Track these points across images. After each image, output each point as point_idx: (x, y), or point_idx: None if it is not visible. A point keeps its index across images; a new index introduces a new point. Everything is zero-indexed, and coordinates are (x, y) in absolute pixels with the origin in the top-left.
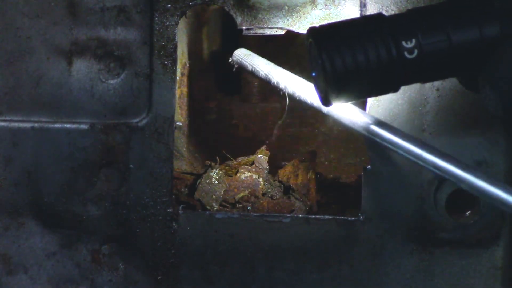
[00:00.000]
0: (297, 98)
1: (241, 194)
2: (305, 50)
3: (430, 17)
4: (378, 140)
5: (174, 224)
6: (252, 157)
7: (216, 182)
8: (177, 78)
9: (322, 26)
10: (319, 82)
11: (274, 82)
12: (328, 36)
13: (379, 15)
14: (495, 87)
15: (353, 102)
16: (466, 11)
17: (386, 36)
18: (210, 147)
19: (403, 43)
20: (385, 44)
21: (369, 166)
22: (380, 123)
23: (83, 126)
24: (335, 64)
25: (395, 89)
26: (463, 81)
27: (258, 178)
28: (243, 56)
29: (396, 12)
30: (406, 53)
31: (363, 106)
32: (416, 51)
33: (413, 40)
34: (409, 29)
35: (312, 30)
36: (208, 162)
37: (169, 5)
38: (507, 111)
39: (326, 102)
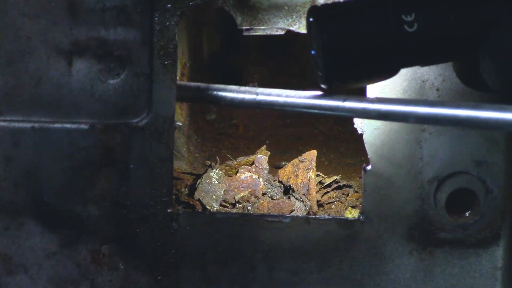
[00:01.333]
0: None
1: (241, 194)
2: (306, 28)
3: None
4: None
5: (174, 224)
6: (252, 157)
7: (216, 182)
8: (177, 78)
9: (323, 5)
10: (319, 62)
11: None
12: (329, 15)
13: None
14: (495, 59)
15: (353, 87)
16: None
17: (386, 12)
18: (210, 147)
19: (403, 16)
20: (386, 18)
21: (369, 166)
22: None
23: (83, 126)
24: (336, 42)
25: (395, 69)
26: (463, 74)
27: (258, 178)
28: None
29: None
30: (406, 26)
31: None
32: (416, 25)
33: (413, 14)
34: (409, 4)
35: (313, 9)
36: (208, 162)
37: (169, 5)
38: (506, 84)
39: (325, 82)
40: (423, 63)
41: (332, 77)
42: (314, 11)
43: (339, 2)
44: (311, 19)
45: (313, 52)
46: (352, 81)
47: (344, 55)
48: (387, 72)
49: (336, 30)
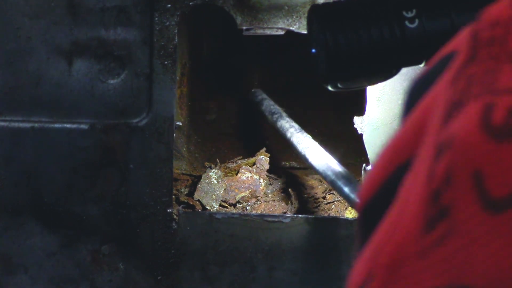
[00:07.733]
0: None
1: (242, 194)
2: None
3: None
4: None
5: (174, 224)
6: (252, 159)
7: (216, 182)
8: (177, 78)
9: (324, 4)
10: (320, 60)
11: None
12: (330, 12)
13: None
14: None
15: (353, 87)
16: None
17: (386, 8)
18: (210, 147)
19: (404, 13)
20: (386, 15)
21: (369, 166)
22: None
23: (83, 126)
24: (338, 39)
25: (396, 68)
26: None
27: (259, 179)
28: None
29: None
30: (407, 22)
31: (362, 106)
32: (417, 21)
33: (414, 10)
34: (410, 0)
35: (315, 7)
36: (207, 164)
37: (169, 5)
38: None
39: (326, 81)
40: (425, 61)
41: (334, 76)
42: (315, 10)
43: (339, 1)
44: (313, 17)
45: (313, 50)
46: (353, 81)
47: (346, 52)
48: (388, 71)
49: (338, 27)
